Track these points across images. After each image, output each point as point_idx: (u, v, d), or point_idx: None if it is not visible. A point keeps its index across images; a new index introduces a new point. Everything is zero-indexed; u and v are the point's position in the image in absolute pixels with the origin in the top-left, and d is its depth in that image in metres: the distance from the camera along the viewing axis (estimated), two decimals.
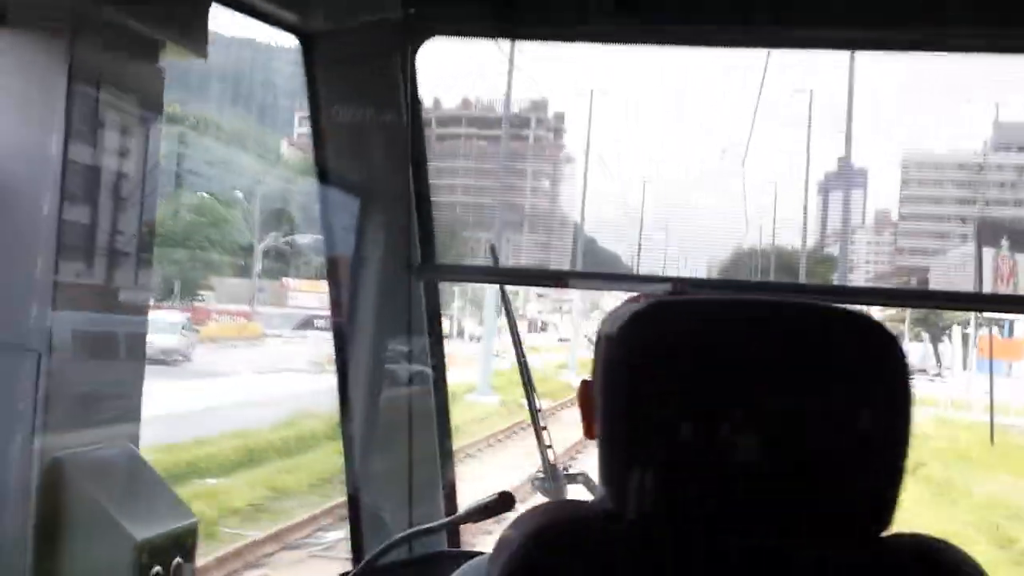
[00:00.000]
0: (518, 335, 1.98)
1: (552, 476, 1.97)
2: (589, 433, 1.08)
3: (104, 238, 1.35)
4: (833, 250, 16.06)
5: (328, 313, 1.99)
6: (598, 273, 2.09)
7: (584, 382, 1.10)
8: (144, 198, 1.40)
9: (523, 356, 1.97)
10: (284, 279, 16.17)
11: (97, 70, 1.31)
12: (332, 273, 1.97)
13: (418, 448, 2.00)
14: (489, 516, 1.71)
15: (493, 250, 1.93)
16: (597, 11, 1.79)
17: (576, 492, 2.02)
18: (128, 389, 1.44)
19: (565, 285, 2.16)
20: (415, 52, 1.94)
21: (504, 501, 1.66)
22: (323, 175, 1.95)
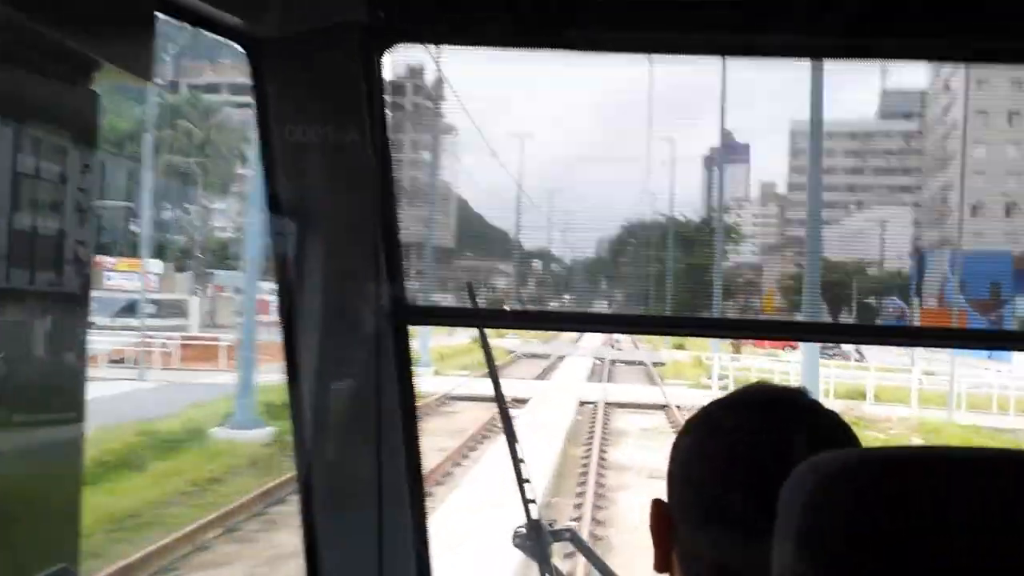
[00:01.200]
0: (499, 382, 1.96)
1: (535, 533, 1.98)
2: (661, 566, 1.06)
3: None
4: (723, 220, 16.76)
5: (283, 360, 1.91)
6: (596, 314, 2.08)
7: (658, 503, 1.07)
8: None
9: (504, 404, 1.96)
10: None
11: (17, 93, 1.20)
12: (285, 313, 1.89)
13: (388, 518, 1.97)
14: None
15: (471, 289, 1.89)
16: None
17: (562, 550, 2.04)
18: None
19: (563, 328, 2.11)
20: (380, 60, 1.88)
21: None
22: (274, 202, 1.87)
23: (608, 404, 20.55)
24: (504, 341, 30.29)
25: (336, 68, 1.86)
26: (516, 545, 1.98)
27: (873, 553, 0.71)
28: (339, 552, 2.01)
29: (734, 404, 1.10)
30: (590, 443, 15.94)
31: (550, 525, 2.00)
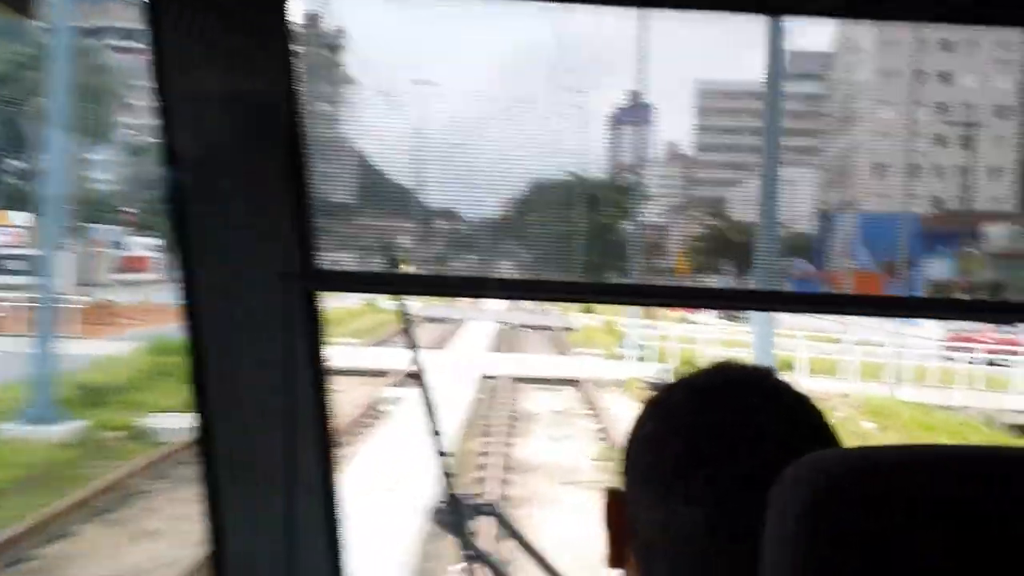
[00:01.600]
0: (419, 355, 1.91)
1: (455, 508, 1.95)
2: (614, 562, 1.02)
3: None
4: (630, 179, 16.98)
5: (184, 332, 1.81)
6: (523, 281, 2.02)
7: (612, 493, 1.03)
8: None
9: (423, 377, 1.91)
10: None
11: None
12: (188, 283, 1.79)
13: (299, 505, 1.91)
14: None
15: (390, 252, 1.83)
16: None
17: (484, 526, 2.02)
18: None
19: (497, 296, 2.05)
20: (286, 2, 1.78)
21: None
22: (169, 157, 1.76)
23: (514, 379, 18.93)
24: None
25: (239, 9, 1.75)
26: (435, 522, 1.95)
27: (884, 562, 0.66)
28: (245, 534, 1.94)
29: (698, 388, 1.04)
30: (491, 432, 13.95)
31: (470, 499, 1.98)
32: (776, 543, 0.71)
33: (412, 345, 1.90)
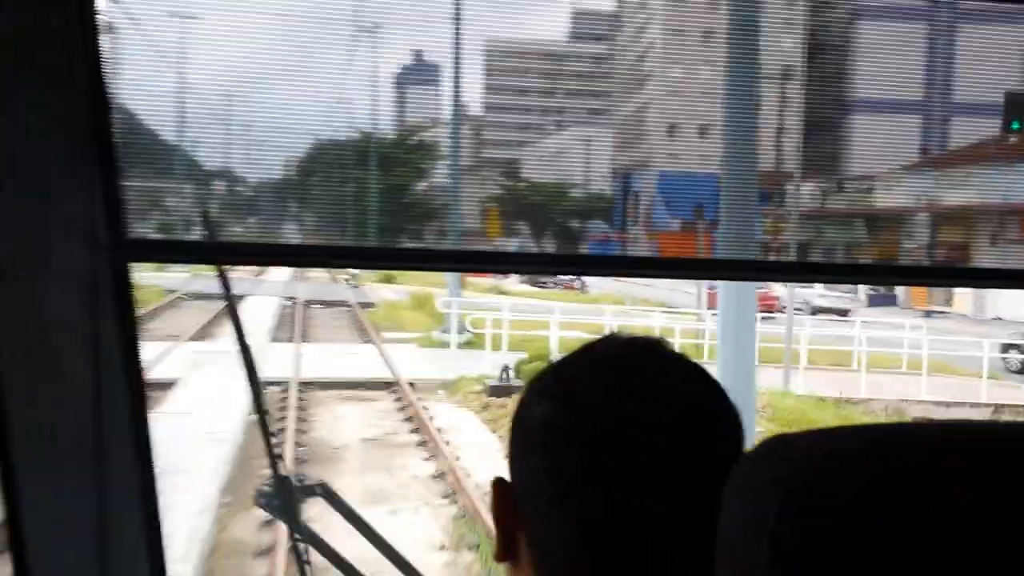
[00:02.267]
0: (238, 320, 1.91)
1: (283, 490, 1.96)
2: (502, 555, 1.01)
3: None
4: (419, 140, 17.06)
5: None
6: (354, 248, 2.01)
7: (499, 483, 1.01)
8: None
9: (248, 351, 1.91)
10: None
11: None
12: None
13: (112, 488, 1.87)
14: None
15: (207, 218, 1.80)
16: None
17: (314, 507, 2.03)
18: None
19: (322, 264, 2.03)
20: None
21: None
22: None
23: (305, 384, 15.18)
24: (163, 277, 25.10)
25: None
26: (260, 505, 1.96)
27: (878, 545, 0.63)
28: (52, 522, 1.89)
29: (589, 363, 1.01)
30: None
31: (299, 481, 1.99)
32: (746, 538, 0.68)
33: (235, 316, 1.89)
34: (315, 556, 1.99)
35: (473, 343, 18.99)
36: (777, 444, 0.70)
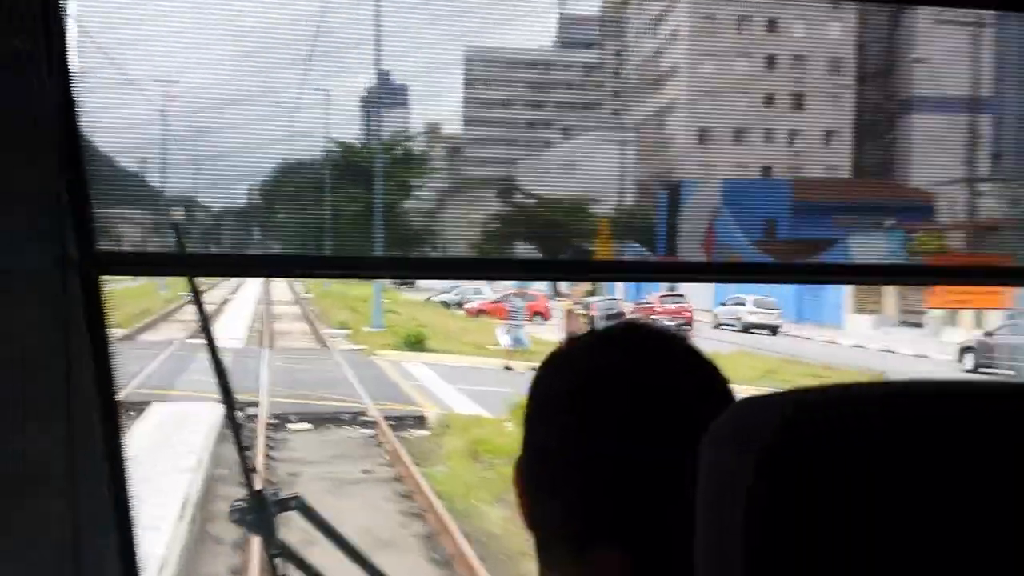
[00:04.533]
0: (211, 333, 2.26)
1: (258, 505, 2.30)
2: (528, 525, 1.25)
3: None
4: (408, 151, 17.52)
5: None
6: (328, 258, 2.38)
7: (520, 462, 1.26)
8: None
9: (219, 358, 2.26)
10: None
11: None
12: None
13: (86, 509, 2.17)
14: None
15: (177, 231, 2.14)
16: None
17: (290, 522, 2.40)
18: None
19: (285, 274, 2.42)
20: None
21: None
22: None
23: (273, 418, 19.48)
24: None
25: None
26: (235, 521, 2.29)
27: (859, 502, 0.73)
28: (25, 547, 2.19)
29: (610, 338, 1.24)
30: None
31: (274, 494, 2.33)
32: (723, 495, 0.79)
33: (207, 329, 2.26)
34: (292, 571, 2.31)
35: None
36: (750, 404, 0.82)
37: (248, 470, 2.29)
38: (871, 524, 0.71)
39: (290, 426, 19.69)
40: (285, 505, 2.34)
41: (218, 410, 16.27)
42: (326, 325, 35.22)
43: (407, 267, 3.12)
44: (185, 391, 20.42)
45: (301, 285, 49.68)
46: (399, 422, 20.05)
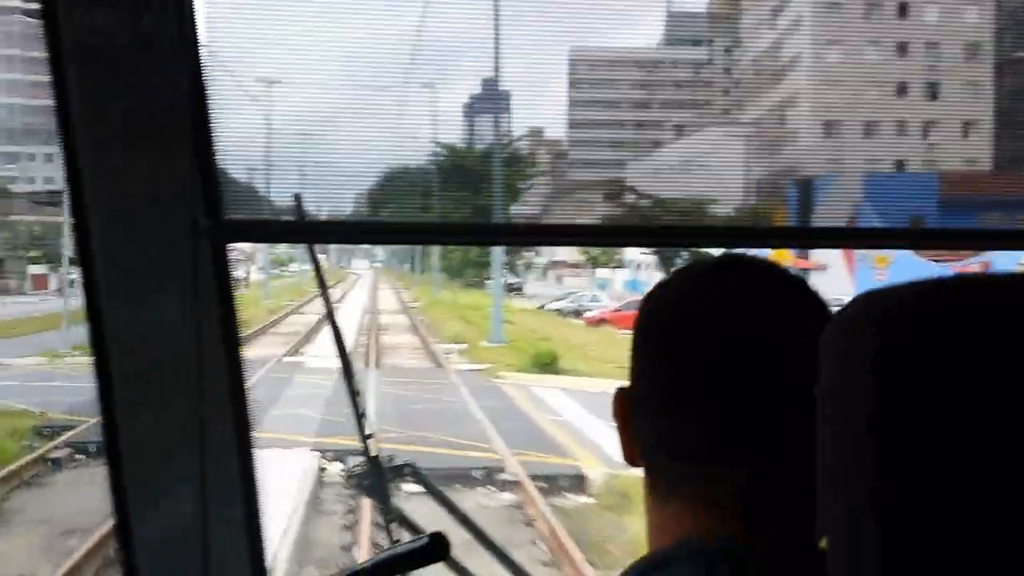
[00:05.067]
0: (330, 301, 2.41)
1: (374, 470, 2.40)
2: (628, 457, 1.30)
3: None
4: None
5: (81, 293, 2.23)
6: (446, 224, 2.54)
7: (621, 392, 1.29)
8: None
9: (336, 326, 2.41)
10: None
11: None
12: (84, 242, 2.19)
13: (211, 470, 2.32)
14: (418, 566, 2.07)
15: (298, 201, 2.29)
16: None
17: (404, 488, 2.52)
18: None
19: (406, 241, 2.56)
20: None
21: (437, 545, 2.02)
22: (63, 111, 2.15)
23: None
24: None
25: None
26: (352, 485, 2.42)
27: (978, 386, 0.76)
28: (154, 505, 2.31)
29: (718, 267, 1.28)
30: None
31: (389, 460, 2.46)
32: (846, 389, 0.83)
33: (327, 297, 2.41)
34: (406, 537, 2.41)
35: None
36: (870, 295, 0.85)
37: (364, 435, 2.40)
38: (996, 406, 0.75)
39: (404, 486, 12.94)
40: (399, 471, 2.45)
41: (311, 462, 14.84)
42: (437, 338, 31.99)
43: (527, 233, 3.17)
44: (272, 431, 15.80)
45: (408, 294, 48.70)
46: (551, 483, 14.96)
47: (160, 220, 2.23)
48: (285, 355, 26.15)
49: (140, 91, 2.17)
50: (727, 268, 1.28)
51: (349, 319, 35.86)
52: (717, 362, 1.18)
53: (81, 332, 2.25)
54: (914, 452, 0.77)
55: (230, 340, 2.32)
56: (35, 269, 38.01)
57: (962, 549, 0.76)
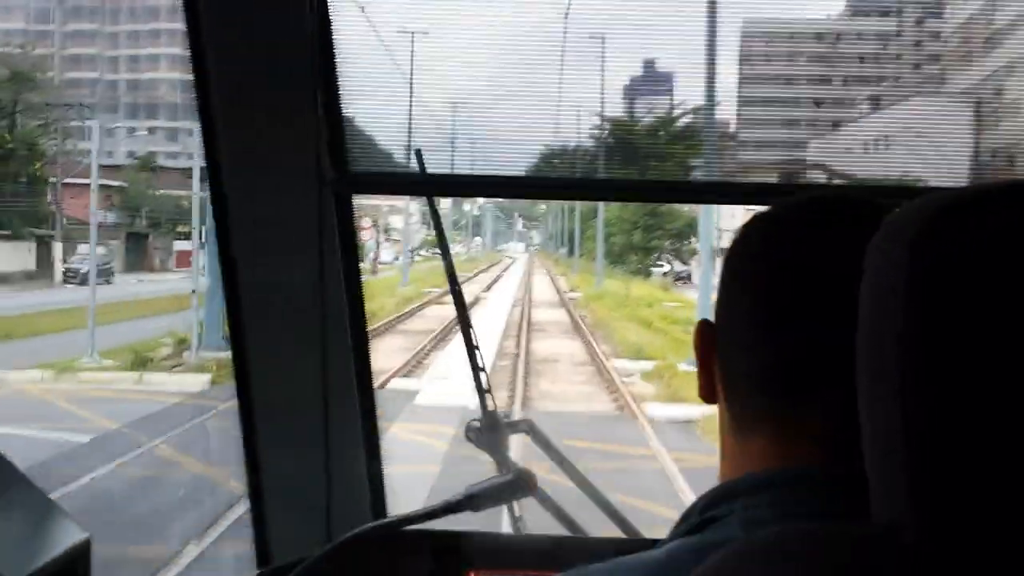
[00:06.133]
0: (450, 257, 2.51)
1: (491, 424, 2.50)
2: (705, 393, 1.33)
3: None
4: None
5: (216, 248, 2.40)
6: (565, 179, 2.62)
7: (704, 323, 1.33)
8: None
9: (457, 284, 2.51)
10: None
11: None
12: (215, 191, 2.37)
13: (335, 420, 2.48)
14: (505, 501, 2.25)
15: (419, 156, 2.41)
16: None
17: (518, 442, 2.62)
18: None
19: (522, 195, 2.67)
20: None
21: (523, 482, 2.18)
22: (199, 66, 2.33)
23: None
24: None
25: None
26: (470, 439, 2.52)
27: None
28: (284, 463, 2.52)
29: (806, 206, 1.32)
30: None
31: (506, 416, 2.56)
32: (879, 291, 0.90)
33: (446, 251, 2.51)
34: None
35: None
36: (906, 206, 0.90)
37: (483, 390, 2.47)
38: (1019, 306, 0.79)
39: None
40: (515, 427, 2.54)
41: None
42: (608, 346, 25.88)
43: (680, 190, 3.15)
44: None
45: (565, 281, 45.60)
46: None
47: (287, 172, 2.41)
48: (396, 373, 21.68)
49: (269, 54, 2.33)
50: (818, 205, 1.31)
51: (496, 314, 31.86)
52: (805, 298, 1.22)
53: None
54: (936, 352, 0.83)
55: (352, 291, 2.46)
56: (181, 245, 38.47)
57: (993, 470, 0.81)
